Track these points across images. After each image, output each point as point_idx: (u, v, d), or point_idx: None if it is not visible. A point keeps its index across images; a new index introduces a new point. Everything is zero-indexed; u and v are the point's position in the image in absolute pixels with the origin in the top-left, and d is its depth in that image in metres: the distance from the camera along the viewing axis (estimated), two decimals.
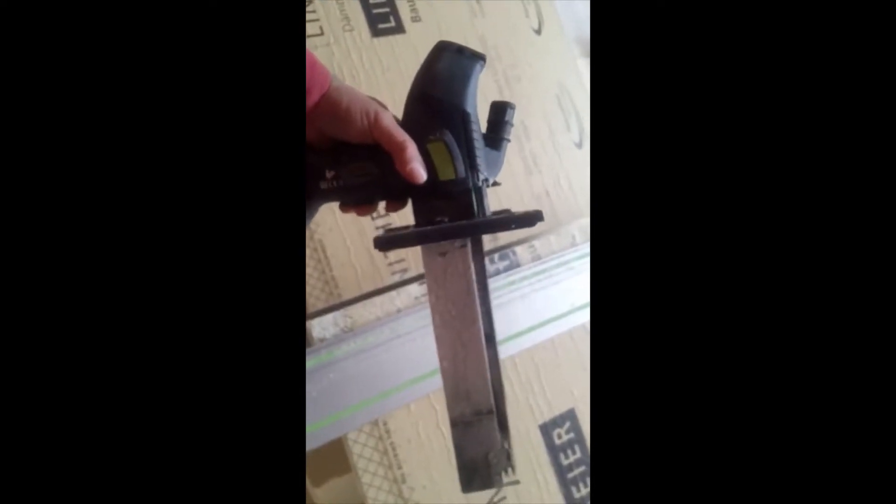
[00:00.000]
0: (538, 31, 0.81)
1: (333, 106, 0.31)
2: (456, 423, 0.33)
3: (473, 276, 0.33)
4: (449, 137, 0.31)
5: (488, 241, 0.72)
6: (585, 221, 0.70)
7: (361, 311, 0.55)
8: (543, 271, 0.63)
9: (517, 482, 0.33)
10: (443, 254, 0.33)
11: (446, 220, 0.33)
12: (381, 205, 0.36)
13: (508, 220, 0.33)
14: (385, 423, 0.54)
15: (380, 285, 0.63)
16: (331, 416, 0.52)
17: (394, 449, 0.54)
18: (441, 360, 0.33)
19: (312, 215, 0.35)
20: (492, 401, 0.32)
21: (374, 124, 0.31)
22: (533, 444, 0.60)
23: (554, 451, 0.61)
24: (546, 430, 0.61)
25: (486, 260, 0.64)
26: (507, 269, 0.62)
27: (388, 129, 0.31)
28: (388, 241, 0.33)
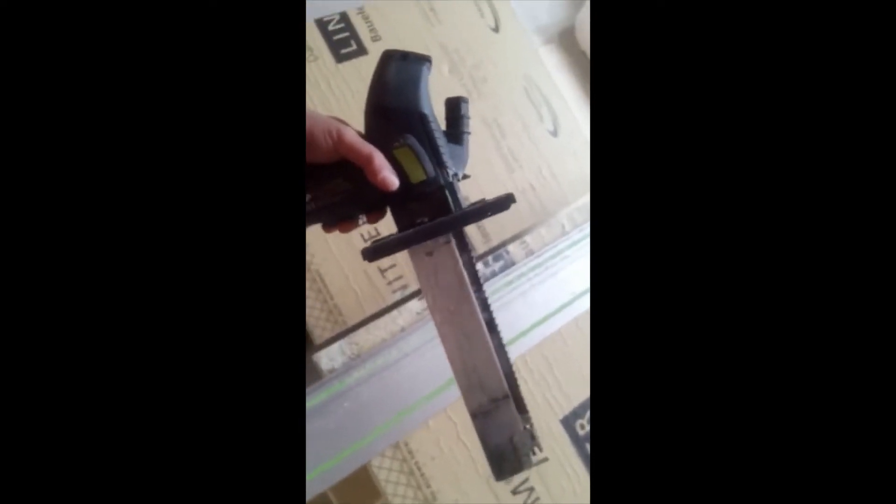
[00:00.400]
0: (496, 30, 0.81)
1: None
2: (475, 415, 0.33)
3: (463, 269, 0.33)
4: (412, 140, 0.32)
5: (481, 243, 0.72)
6: (572, 208, 0.70)
7: (366, 336, 0.55)
8: (539, 265, 0.63)
9: (546, 459, 0.33)
10: (429, 253, 0.34)
11: (426, 220, 0.34)
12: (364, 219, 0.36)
13: (484, 209, 0.33)
14: (406, 444, 0.54)
15: (382, 305, 0.63)
16: (352, 445, 0.51)
17: (419, 468, 0.54)
18: (449, 356, 0.33)
19: None
20: (505, 386, 0.32)
21: (338, 142, 0.32)
22: (557, 438, 0.60)
23: (579, 442, 0.61)
24: (568, 422, 0.61)
25: (481, 264, 0.64)
26: (502, 270, 0.62)
27: (352, 144, 0.32)
28: (375, 251, 0.33)
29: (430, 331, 0.56)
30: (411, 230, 0.33)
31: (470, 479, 0.56)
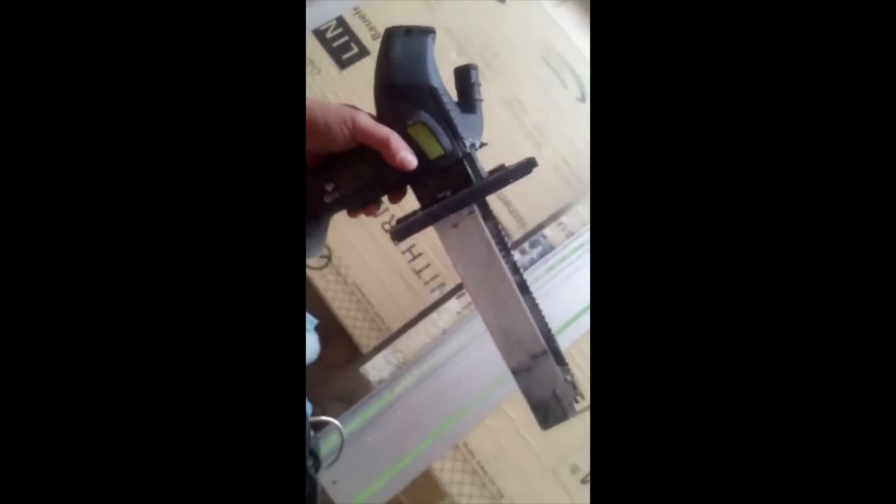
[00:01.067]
0: (501, 0, 0.76)
1: (312, 125, 0.32)
2: (517, 372, 0.34)
3: (490, 236, 0.34)
4: (425, 116, 0.32)
5: (516, 228, 0.69)
6: None
7: (408, 343, 0.55)
8: (581, 246, 0.59)
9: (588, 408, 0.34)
10: (455, 226, 0.34)
11: (448, 193, 0.34)
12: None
13: (505, 176, 0.33)
14: (466, 445, 0.53)
15: (422, 306, 0.63)
16: (411, 452, 0.52)
17: (482, 467, 0.53)
18: (485, 320, 0.34)
19: (325, 230, 0.37)
20: (543, 342, 0.34)
21: (354, 129, 0.32)
22: None
23: None
24: None
25: (518, 252, 0.61)
26: (541, 256, 0.59)
27: (368, 129, 0.32)
28: (403, 231, 0.34)
29: (472, 330, 0.55)
30: (435, 206, 0.33)
31: (534, 472, 0.55)
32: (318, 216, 0.35)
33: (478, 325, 0.55)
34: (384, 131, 0.32)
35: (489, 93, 0.74)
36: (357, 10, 0.72)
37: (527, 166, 0.33)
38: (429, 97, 0.33)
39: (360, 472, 0.51)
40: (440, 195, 0.34)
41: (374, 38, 0.71)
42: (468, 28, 0.74)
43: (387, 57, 0.33)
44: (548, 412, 0.35)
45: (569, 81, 0.76)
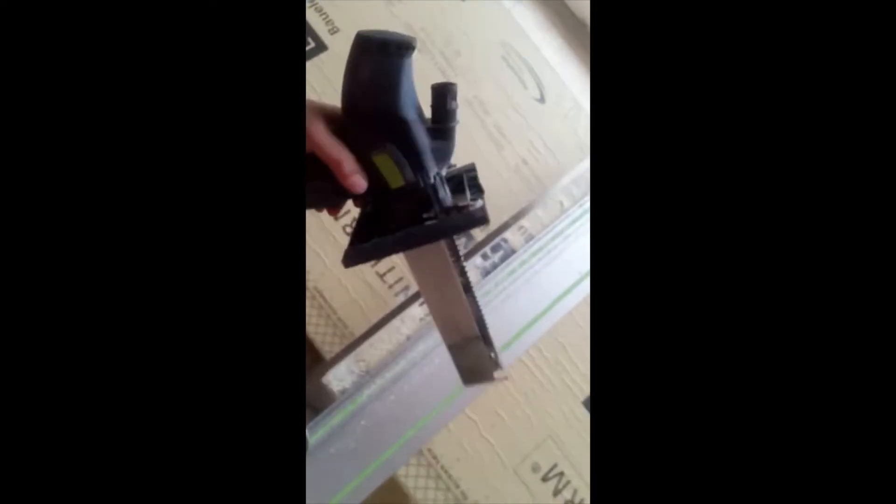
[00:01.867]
0: None
1: None
2: (451, 347, 0.41)
3: (444, 245, 0.35)
4: (392, 149, 0.30)
5: (477, 231, 0.69)
6: (568, 181, 0.66)
7: (371, 351, 0.55)
8: (540, 249, 0.60)
9: (507, 377, 0.41)
10: None
11: (404, 221, 0.33)
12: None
13: (459, 225, 0.33)
14: (430, 450, 0.54)
15: (386, 310, 0.62)
16: (376, 460, 0.52)
17: (446, 471, 0.54)
18: (430, 308, 0.39)
19: None
20: (476, 330, 0.39)
21: (308, 140, 0.30)
22: (581, 420, 0.59)
23: None
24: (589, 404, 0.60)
25: (479, 257, 0.61)
26: (503, 260, 0.60)
27: (321, 146, 0.30)
28: (353, 258, 0.33)
29: (436, 335, 0.55)
30: (389, 237, 0.32)
31: (497, 473, 0.56)
32: None
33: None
34: (336, 153, 0.30)
35: None
36: (314, 3, 0.69)
37: (482, 219, 0.32)
38: (398, 129, 0.30)
39: (325, 482, 0.51)
40: (394, 224, 0.32)
41: (331, 32, 0.69)
42: (429, 26, 0.73)
43: (356, 76, 0.30)
44: (472, 374, 0.41)
45: (528, 82, 0.76)
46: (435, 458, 0.54)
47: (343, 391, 0.53)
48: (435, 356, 0.54)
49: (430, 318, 0.56)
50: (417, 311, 0.57)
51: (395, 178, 0.31)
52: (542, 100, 0.76)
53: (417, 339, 0.55)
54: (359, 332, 0.61)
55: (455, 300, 0.37)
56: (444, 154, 0.33)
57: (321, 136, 0.30)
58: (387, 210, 0.33)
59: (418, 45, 0.79)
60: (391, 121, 0.30)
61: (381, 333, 0.55)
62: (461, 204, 0.33)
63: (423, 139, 0.31)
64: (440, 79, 0.79)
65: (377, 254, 0.33)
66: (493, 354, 0.40)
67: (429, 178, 0.32)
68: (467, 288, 0.37)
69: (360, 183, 0.31)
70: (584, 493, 0.58)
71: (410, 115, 0.30)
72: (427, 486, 0.54)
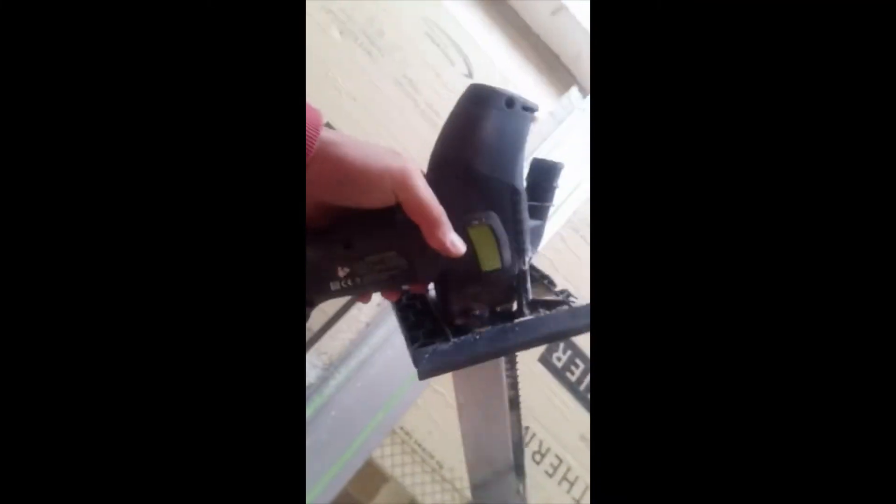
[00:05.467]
0: None
1: (337, 165, 0.24)
2: (477, 486, 0.33)
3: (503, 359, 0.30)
4: (496, 222, 0.25)
5: None
6: None
7: (332, 343, 0.55)
8: None
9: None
10: None
11: (485, 311, 0.28)
12: None
13: (564, 333, 0.27)
14: (402, 428, 0.56)
15: (342, 302, 0.62)
16: (350, 446, 0.53)
17: (420, 446, 0.56)
18: (462, 432, 0.32)
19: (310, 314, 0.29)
20: (512, 458, 0.32)
21: (404, 190, 0.24)
22: (539, 376, 0.64)
23: (559, 373, 0.64)
24: (545, 360, 0.64)
25: None
26: None
27: (422, 199, 0.24)
28: (433, 370, 0.26)
29: (394, 319, 0.56)
30: (478, 347, 0.26)
31: None
32: (311, 304, 0.27)
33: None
34: (439, 210, 0.25)
35: (378, 71, 0.72)
36: None
37: (582, 319, 0.26)
38: (508, 200, 0.26)
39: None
40: (476, 311, 0.27)
41: None
42: (348, 4, 0.70)
43: (474, 132, 0.25)
44: None
45: (455, 58, 0.77)
46: (408, 434, 0.56)
47: (309, 386, 0.53)
48: (395, 338, 0.56)
49: (387, 304, 0.57)
50: (374, 297, 0.57)
51: (491, 259, 0.26)
52: (469, 75, 0.77)
53: (377, 325, 0.56)
54: (316, 326, 0.61)
55: (497, 420, 0.31)
56: (537, 238, 0.28)
57: (424, 190, 0.25)
58: (462, 291, 0.27)
59: (339, 26, 0.76)
60: (505, 190, 0.25)
61: (340, 324, 0.55)
62: (551, 299, 0.28)
63: (527, 216, 0.27)
64: (367, 58, 0.77)
65: (463, 362, 0.26)
66: (521, 488, 0.33)
67: (524, 263, 0.27)
68: (514, 404, 0.32)
69: (458, 245, 0.25)
70: (550, 442, 0.63)
71: (522, 185, 0.26)
72: (404, 463, 0.56)
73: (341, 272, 0.26)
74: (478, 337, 0.27)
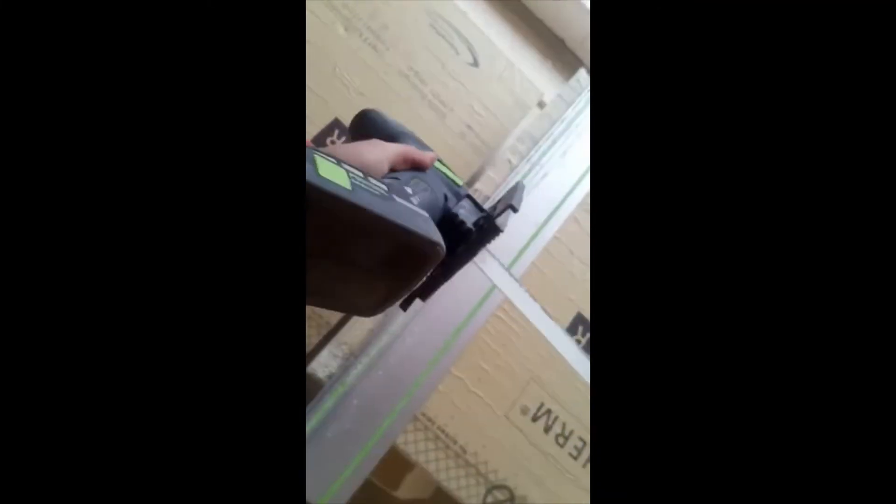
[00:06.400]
0: None
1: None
2: None
3: None
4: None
5: None
6: (513, 139, 0.69)
7: (352, 333, 0.55)
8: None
9: None
10: None
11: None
12: None
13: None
14: (424, 414, 0.56)
15: None
16: (374, 435, 0.53)
17: (443, 431, 0.57)
18: None
19: None
20: None
21: (392, 158, 0.32)
22: (556, 359, 0.63)
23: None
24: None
25: None
26: None
27: (403, 154, 0.33)
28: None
29: (412, 306, 0.57)
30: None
31: (491, 422, 0.59)
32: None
33: (417, 302, 0.57)
34: (408, 149, 0.33)
35: (383, 64, 0.72)
36: None
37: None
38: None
39: (327, 465, 0.52)
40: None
41: None
42: (351, 1, 0.71)
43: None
44: None
45: (459, 47, 0.77)
46: (430, 420, 0.57)
47: (330, 376, 0.53)
48: (414, 325, 0.56)
49: None
50: None
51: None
52: (475, 63, 0.77)
53: (395, 313, 0.56)
54: (334, 320, 0.62)
55: None
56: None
57: (396, 148, 0.32)
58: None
59: (344, 23, 0.77)
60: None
61: None
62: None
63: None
64: (371, 51, 0.77)
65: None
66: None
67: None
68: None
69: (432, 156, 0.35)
70: (573, 425, 0.62)
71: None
72: (427, 449, 0.56)
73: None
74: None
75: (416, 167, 0.34)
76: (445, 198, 0.35)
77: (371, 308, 0.29)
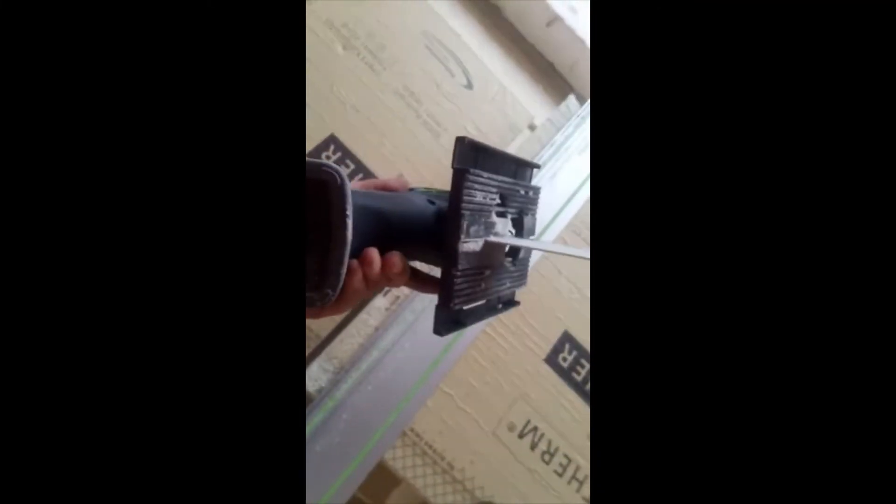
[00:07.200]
0: None
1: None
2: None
3: None
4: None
5: None
6: None
7: (342, 347, 0.56)
8: None
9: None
10: None
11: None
12: None
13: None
14: (412, 430, 0.57)
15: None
16: (361, 450, 0.54)
17: (430, 447, 0.57)
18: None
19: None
20: None
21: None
22: (546, 377, 0.65)
23: (565, 374, 0.65)
24: (551, 360, 0.65)
25: None
26: None
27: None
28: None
29: (403, 321, 0.58)
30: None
31: (478, 438, 0.60)
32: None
33: (408, 317, 0.58)
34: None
35: (380, 84, 0.74)
36: None
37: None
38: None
39: (315, 479, 0.52)
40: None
41: None
42: (350, 21, 0.73)
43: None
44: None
45: (455, 69, 0.79)
46: (418, 436, 0.57)
47: (320, 390, 0.53)
48: (405, 341, 0.57)
49: (395, 308, 0.58)
50: (382, 301, 0.59)
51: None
52: (469, 86, 0.80)
53: (386, 329, 0.57)
54: (325, 332, 0.62)
55: None
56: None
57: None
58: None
59: (343, 42, 0.78)
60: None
61: (350, 328, 0.56)
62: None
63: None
64: (369, 71, 0.79)
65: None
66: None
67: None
68: None
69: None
70: (559, 442, 0.63)
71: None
72: (415, 465, 0.56)
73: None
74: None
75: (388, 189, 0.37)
76: (432, 203, 0.36)
77: (316, 286, 0.28)
